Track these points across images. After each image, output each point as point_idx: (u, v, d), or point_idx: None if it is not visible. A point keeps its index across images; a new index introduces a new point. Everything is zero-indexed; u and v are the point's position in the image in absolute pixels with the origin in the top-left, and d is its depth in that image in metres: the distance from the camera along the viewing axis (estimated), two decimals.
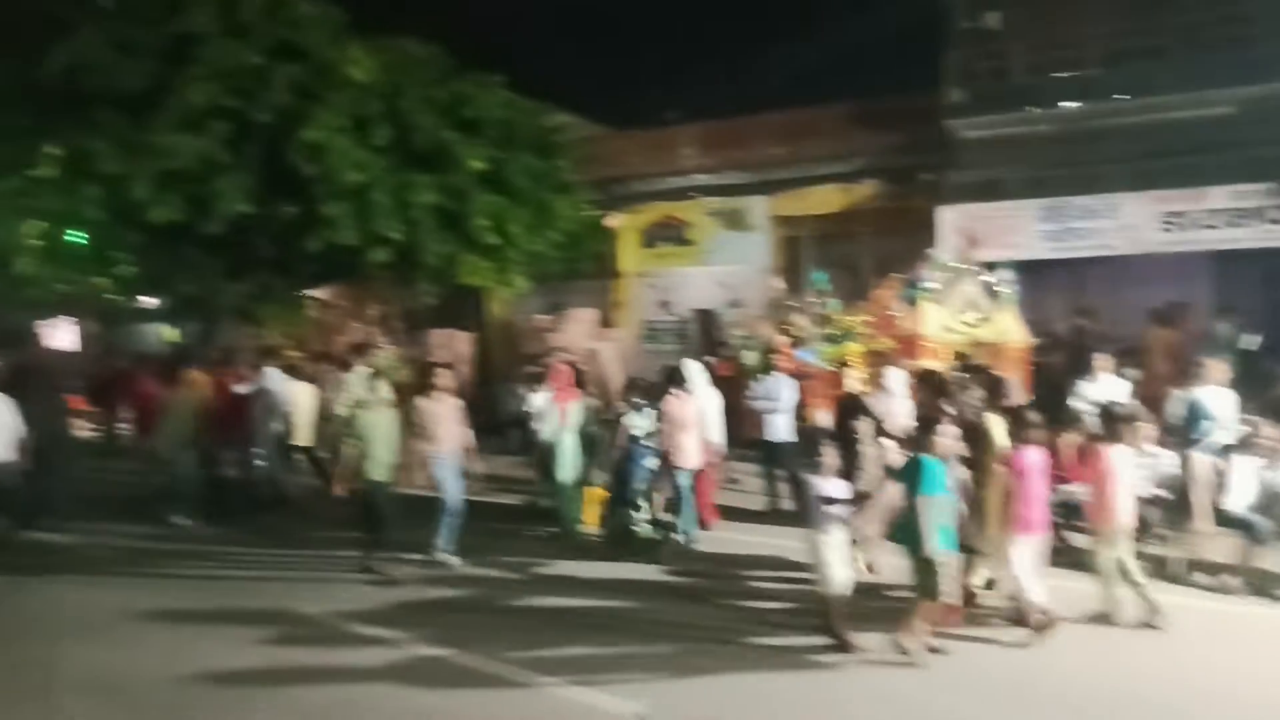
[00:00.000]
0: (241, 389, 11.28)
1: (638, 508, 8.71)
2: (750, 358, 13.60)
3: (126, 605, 7.02)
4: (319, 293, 18.00)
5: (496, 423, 13.80)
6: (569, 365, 10.23)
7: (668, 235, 17.55)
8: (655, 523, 8.88)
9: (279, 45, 12.43)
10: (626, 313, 18.22)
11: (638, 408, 8.88)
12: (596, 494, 9.29)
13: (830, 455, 6.18)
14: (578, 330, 17.01)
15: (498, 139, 14.32)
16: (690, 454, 8.78)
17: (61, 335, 24.75)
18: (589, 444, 9.31)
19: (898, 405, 8.79)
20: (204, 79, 11.80)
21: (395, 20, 14.52)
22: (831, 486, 6.10)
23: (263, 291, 15.32)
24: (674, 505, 8.85)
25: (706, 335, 16.62)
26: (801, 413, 10.24)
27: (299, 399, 11.30)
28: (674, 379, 9.14)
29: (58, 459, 9.83)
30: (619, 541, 8.73)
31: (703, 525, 9.19)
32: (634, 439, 8.76)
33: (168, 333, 23.40)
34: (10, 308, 22.63)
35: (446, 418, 8.59)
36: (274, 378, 11.27)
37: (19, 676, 5.73)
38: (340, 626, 6.59)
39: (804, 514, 6.23)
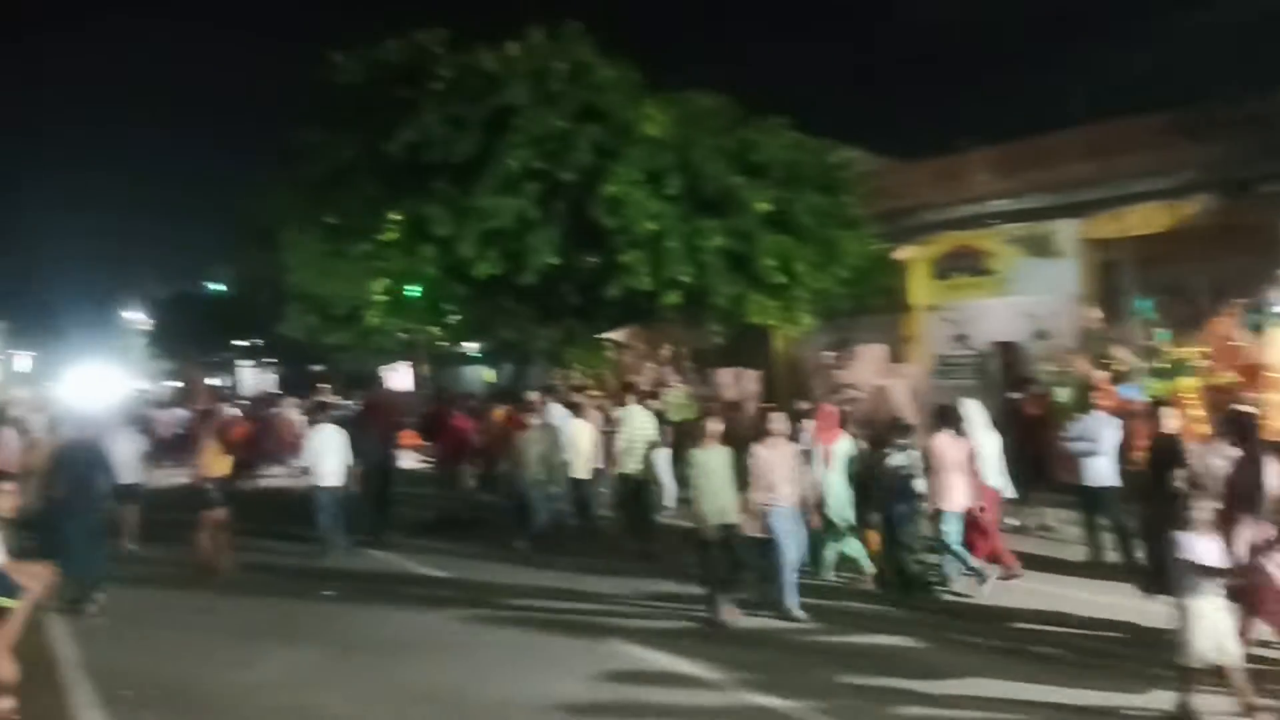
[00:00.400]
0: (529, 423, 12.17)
1: (910, 550, 8.32)
2: (1063, 395, 12.61)
3: (457, 627, 7.75)
4: (617, 334, 19.08)
5: None
6: (838, 405, 10.08)
7: (963, 266, 16.75)
8: (927, 565, 8.43)
9: (583, 109, 13.46)
10: (918, 348, 17.57)
11: (902, 447, 8.60)
12: (872, 536, 9.03)
13: (1203, 508, 5.54)
14: (866, 367, 16.66)
15: (784, 179, 14.51)
16: (956, 497, 8.38)
17: (400, 378, 28.18)
18: (857, 485, 9.05)
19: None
20: (520, 145, 13.03)
21: (688, 74, 15.30)
22: (1204, 546, 5.39)
23: (568, 335, 16.56)
24: (940, 548, 8.47)
25: (1009, 370, 15.63)
26: (1126, 455, 9.31)
27: (578, 434, 11.79)
28: (945, 418, 8.86)
29: (382, 486, 11.67)
30: (897, 584, 8.40)
31: (1006, 575, 8.61)
32: (901, 479, 8.44)
33: (487, 374, 25.91)
34: (360, 354, 26.14)
35: (782, 465, 8.11)
36: (557, 414, 12.03)
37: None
38: (666, 666, 6.72)
39: (1167, 576, 5.59)
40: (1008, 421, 11.24)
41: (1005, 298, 16.25)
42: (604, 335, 17.87)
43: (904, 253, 17.29)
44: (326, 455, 11.01)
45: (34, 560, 6.25)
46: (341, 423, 12.25)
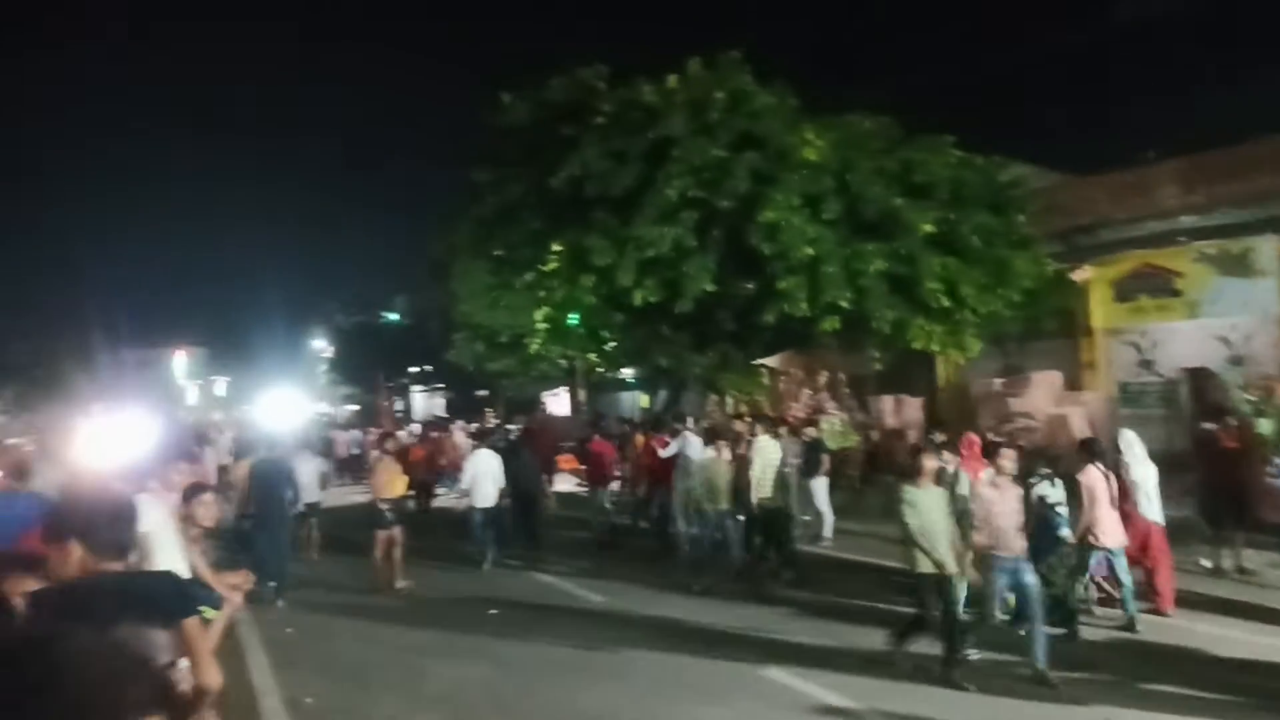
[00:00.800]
0: (664, 452, 12.29)
1: (1049, 583, 7.68)
2: (1264, 426, 11.55)
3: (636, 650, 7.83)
4: (772, 361, 18.90)
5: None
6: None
7: (1148, 286, 15.63)
8: (1060, 598, 7.77)
9: (741, 137, 13.51)
10: (1099, 374, 16.51)
11: (1048, 478, 8.15)
12: None
13: None
14: (1041, 394, 15.80)
15: (949, 199, 14.03)
16: (1107, 532, 8.00)
17: (560, 403, 28.94)
18: None
19: None
20: (678, 175, 13.20)
21: (848, 96, 15.09)
22: None
23: (723, 361, 16.52)
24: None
25: (1200, 399, 14.44)
26: None
27: (713, 463, 11.21)
28: (1091, 451, 8.47)
29: (530, 508, 12.29)
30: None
31: (1157, 612, 8.08)
32: (1048, 510, 7.95)
33: (643, 400, 26.25)
34: (522, 380, 27.06)
35: (1010, 509, 7.02)
36: (692, 442, 11.72)
37: None
38: (818, 697, 6.57)
39: None
40: (1201, 454, 10.36)
41: (1196, 320, 15.05)
42: (759, 361, 17.72)
43: (1082, 273, 16.32)
44: (483, 478, 11.63)
45: (229, 570, 6.77)
46: (503, 447, 13.04)
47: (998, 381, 16.48)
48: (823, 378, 18.37)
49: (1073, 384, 16.33)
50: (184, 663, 2.34)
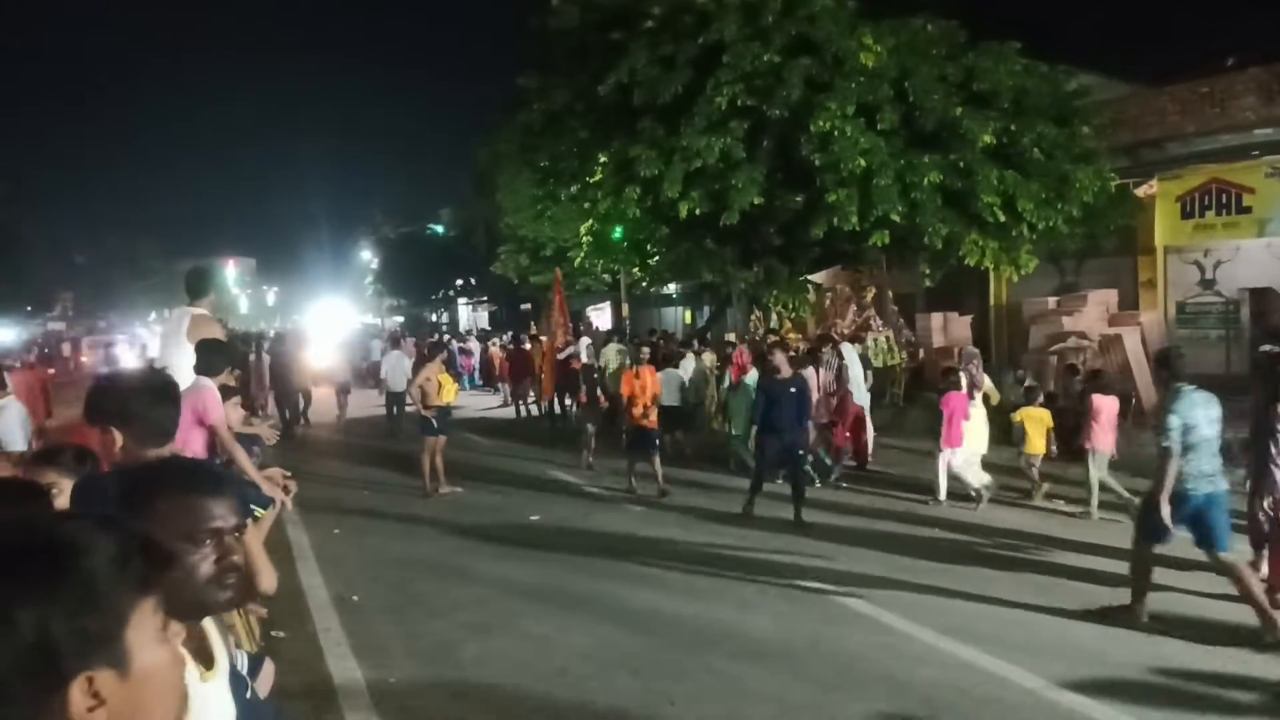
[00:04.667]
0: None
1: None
2: None
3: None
4: (819, 277, 18.60)
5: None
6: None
7: (1217, 202, 14.98)
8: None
9: (795, 42, 13.00)
10: (1157, 294, 16.01)
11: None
12: None
13: None
14: (1095, 313, 15.38)
15: (1011, 110, 13.47)
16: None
17: (603, 317, 28.93)
18: None
19: None
20: (728, 83, 12.80)
21: None
22: None
23: (768, 276, 16.29)
24: None
25: (1261, 319, 13.96)
26: None
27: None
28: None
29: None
30: None
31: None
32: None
33: (686, 315, 26.15)
34: (568, 295, 26.96)
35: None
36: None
37: None
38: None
39: None
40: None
41: (1264, 239, 14.45)
42: (806, 277, 17.45)
43: (1147, 189, 15.68)
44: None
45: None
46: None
47: (1051, 300, 16.06)
48: (870, 294, 18.03)
49: (1130, 303, 15.87)
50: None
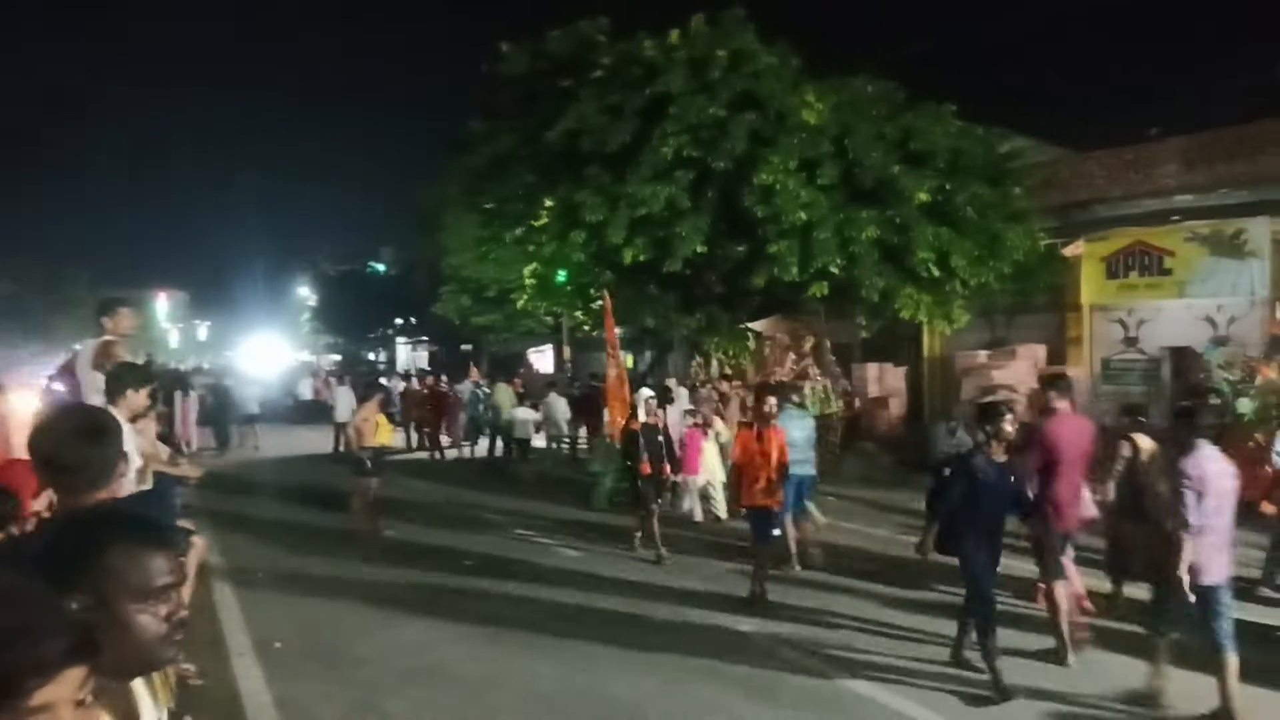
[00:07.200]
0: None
1: None
2: (1246, 406, 11.64)
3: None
4: (759, 325, 18.83)
5: (928, 463, 13.32)
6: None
7: (1139, 264, 15.62)
8: None
9: (740, 96, 13.29)
10: (1083, 350, 16.55)
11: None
12: None
13: None
14: (1023, 367, 15.82)
15: (947, 169, 13.92)
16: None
17: (545, 360, 28.83)
18: None
19: None
20: (674, 134, 13.00)
21: (851, 58, 14.83)
22: None
23: (709, 323, 16.43)
24: None
25: (1181, 377, 14.51)
26: None
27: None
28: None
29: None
30: None
31: None
32: None
33: (628, 360, 26.17)
34: (508, 336, 26.88)
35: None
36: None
37: None
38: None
39: None
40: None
41: (1183, 299, 15.08)
42: (746, 325, 17.65)
43: (1074, 249, 16.28)
44: None
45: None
46: None
47: (982, 353, 16.49)
48: (808, 343, 18.31)
49: (1057, 358, 16.36)
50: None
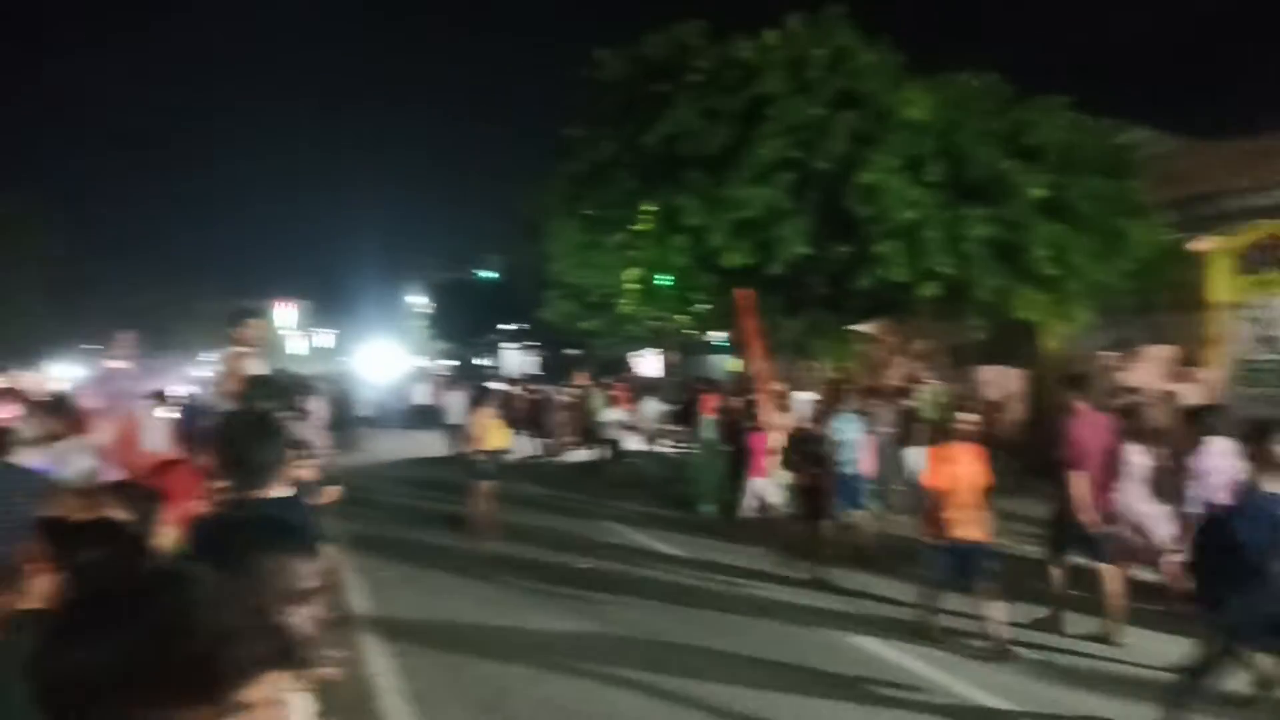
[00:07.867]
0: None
1: None
2: None
3: None
4: (867, 327, 18.50)
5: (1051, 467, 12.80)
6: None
7: (1274, 259, 14.65)
8: None
9: (840, 96, 13.10)
10: (1217, 350, 15.62)
11: None
12: None
13: None
14: (1151, 369, 15.07)
15: (1061, 164, 13.37)
16: None
17: (649, 364, 29.02)
18: None
19: None
20: (774, 135, 12.91)
21: (958, 55, 14.46)
22: None
23: (815, 327, 16.23)
24: None
25: None
26: None
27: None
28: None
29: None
30: None
31: None
32: None
33: (730, 364, 26.05)
34: (612, 341, 27.14)
35: None
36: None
37: None
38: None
39: None
40: None
41: None
42: (853, 327, 17.36)
43: (1202, 244, 15.38)
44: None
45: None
46: None
47: (1106, 354, 15.77)
48: (920, 346, 17.89)
49: (1191, 360, 15.50)
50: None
